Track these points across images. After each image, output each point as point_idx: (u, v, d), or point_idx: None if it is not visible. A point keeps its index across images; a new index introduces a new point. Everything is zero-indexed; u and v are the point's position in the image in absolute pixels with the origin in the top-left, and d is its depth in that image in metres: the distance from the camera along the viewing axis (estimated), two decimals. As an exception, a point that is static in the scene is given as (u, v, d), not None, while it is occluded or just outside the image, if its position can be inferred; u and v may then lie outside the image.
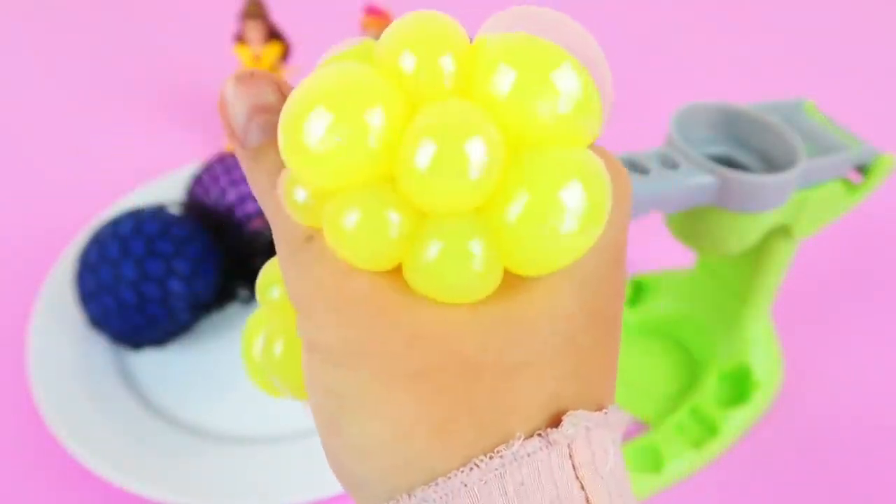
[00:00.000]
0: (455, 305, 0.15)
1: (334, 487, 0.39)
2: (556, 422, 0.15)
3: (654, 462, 0.41)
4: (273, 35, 0.59)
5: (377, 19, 0.58)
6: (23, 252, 0.54)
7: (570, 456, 0.15)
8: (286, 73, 0.60)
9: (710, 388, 0.43)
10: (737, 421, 0.42)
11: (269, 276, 0.20)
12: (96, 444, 0.41)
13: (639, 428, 0.44)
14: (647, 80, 0.71)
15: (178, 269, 0.43)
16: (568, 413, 0.15)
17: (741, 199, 0.33)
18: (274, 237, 0.17)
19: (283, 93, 0.18)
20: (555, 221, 0.14)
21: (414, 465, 0.15)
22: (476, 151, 0.13)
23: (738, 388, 0.43)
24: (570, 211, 0.14)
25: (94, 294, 0.43)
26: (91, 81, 0.72)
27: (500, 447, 0.15)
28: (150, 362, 0.47)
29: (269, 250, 0.48)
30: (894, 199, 0.49)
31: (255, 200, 0.48)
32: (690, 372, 0.46)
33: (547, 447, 0.15)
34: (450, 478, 0.15)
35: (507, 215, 0.14)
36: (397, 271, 0.15)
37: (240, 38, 0.59)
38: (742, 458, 0.42)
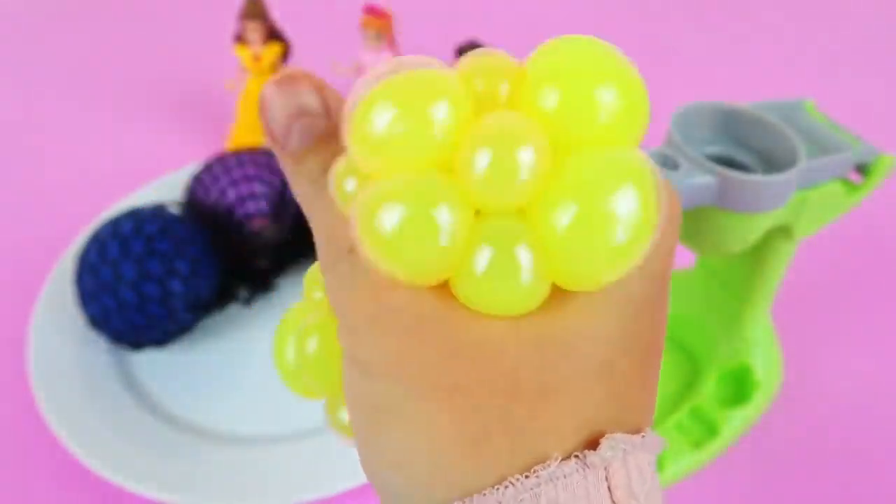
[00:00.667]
0: (495, 322, 0.15)
1: (334, 487, 0.39)
2: (592, 443, 0.15)
3: (654, 462, 0.41)
4: (273, 35, 0.59)
5: (377, 19, 0.58)
6: (23, 252, 0.54)
7: (607, 478, 0.15)
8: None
9: (710, 388, 0.43)
10: (737, 421, 0.42)
11: (316, 274, 0.20)
12: (96, 444, 0.41)
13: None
14: (647, 80, 0.71)
15: (178, 269, 0.43)
16: (606, 436, 0.15)
17: (741, 199, 0.33)
18: (316, 243, 0.17)
19: (323, 96, 0.17)
20: (604, 231, 0.14)
21: (448, 479, 0.15)
22: (525, 156, 0.14)
23: (738, 388, 0.43)
24: (621, 220, 0.14)
25: (94, 294, 0.43)
26: (91, 81, 0.72)
27: (537, 467, 0.15)
28: (150, 362, 0.47)
29: (269, 250, 0.48)
30: (894, 199, 0.49)
31: (254, 200, 0.48)
32: (690, 372, 0.45)
33: (584, 469, 0.15)
34: (485, 495, 0.14)
35: (555, 224, 0.14)
36: (437, 285, 0.15)
37: (240, 38, 0.59)
38: (742, 458, 0.42)
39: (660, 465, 0.40)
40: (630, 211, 0.14)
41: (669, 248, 0.17)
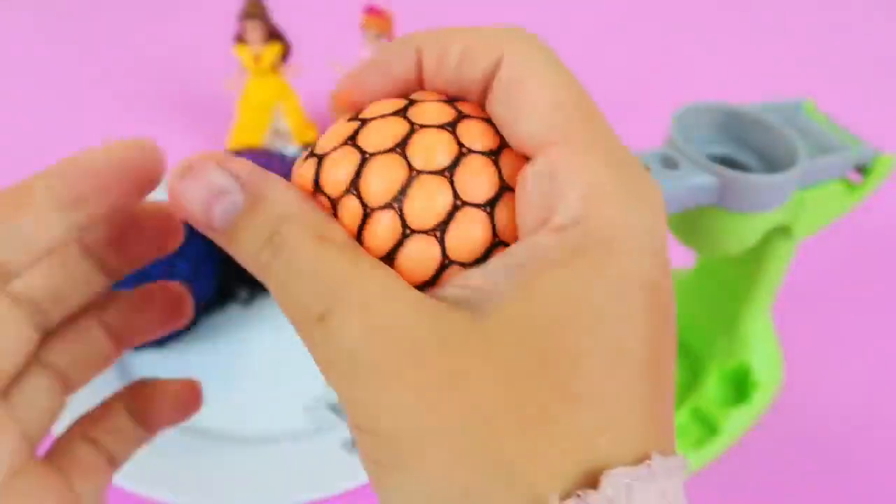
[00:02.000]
0: (466, 354, 0.15)
1: (334, 487, 0.39)
2: (591, 479, 0.14)
3: (654, 462, 0.41)
4: (273, 35, 0.59)
5: (377, 19, 0.58)
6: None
7: None
8: (286, 73, 0.60)
9: (710, 388, 0.43)
10: (737, 421, 0.42)
11: None
12: (96, 444, 0.41)
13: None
14: (647, 80, 0.71)
15: (178, 269, 0.43)
16: (605, 473, 0.14)
17: (741, 199, 0.33)
18: (284, 312, 0.17)
19: (228, 169, 0.17)
20: None
21: None
22: None
23: (738, 388, 0.43)
24: None
25: (94, 294, 0.43)
26: (91, 81, 0.72)
27: None
28: (150, 362, 0.47)
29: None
30: (894, 199, 0.49)
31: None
32: (690, 372, 0.46)
33: None
34: None
35: None
36: (399, 323, 0.15)
37: (240, 38, 0.59)
38: (742, 458, 0.42)
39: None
40: None
41: (655, 259, 0.16)
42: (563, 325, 0.15)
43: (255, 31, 0.57)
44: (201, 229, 0.17)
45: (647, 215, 0.16)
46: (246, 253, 0.17)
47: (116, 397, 0.23)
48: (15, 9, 0.81)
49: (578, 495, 0.14)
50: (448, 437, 0.14)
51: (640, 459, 0.15)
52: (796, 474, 0.42)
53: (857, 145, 0.36)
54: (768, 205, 0.33)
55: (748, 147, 0.36)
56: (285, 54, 0.59)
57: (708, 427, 0.42)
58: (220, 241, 0.17)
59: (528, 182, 0.16)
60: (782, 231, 0.37)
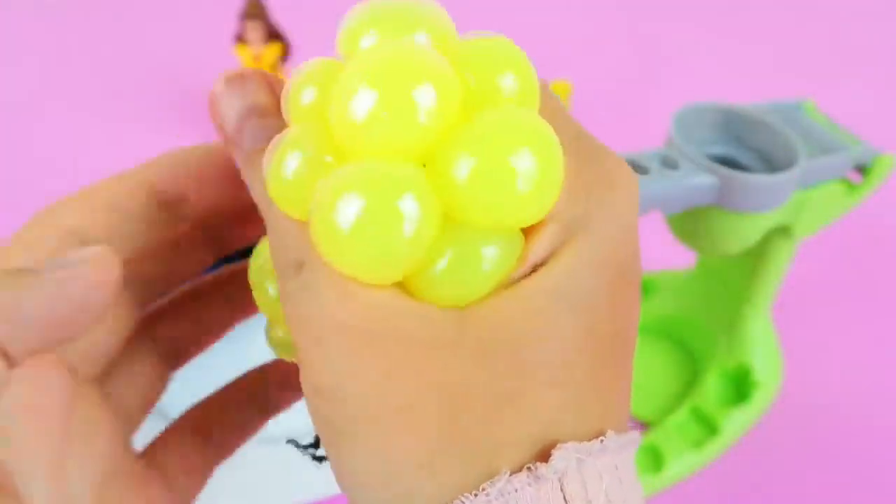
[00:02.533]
0: (441, 331, 0.15)
1: (334, 488, 0.39)
2: (546, 454, 0.15)
3: (654, 462, 0.41)
4: (273, 35, 0.59)
5: (377, 19, 0.58)
6: (23, 252, 0.54)
7: (562, 490, 0.14)
8: (286, 74, 0.60)
9: (710, 388, 0.43)
10: (737, 421, 0.42)
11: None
12: (96, 444, 0.41)
13: (639, 428, 0.44)
14: (647, 80, 0.71)
15: (178, 269, 0.43)
16: (558, 446, 0.14)
17: (741, 199, 0.33)
18: (272, 256, 0.16)
19: (276, 93, 0.17)
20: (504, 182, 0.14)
21: (407, 499, 0.15)
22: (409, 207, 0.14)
23: (739, 387, 0.43)
24: (520, 172, 0.14)
25: (94, 294, 0.43)
26: (91, 81, 0.72)
27: (485, 483, 0.14)
28: (150, 362, 0.47)
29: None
30: (894, 199, 0.49)
31: (255, 200, 0.48)
32: (690, 372, 0.45)
33: (535, 482, 0.14)
34: None
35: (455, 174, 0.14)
36: (378, 301, 0.15)
37: (240, 38, 0.59)
38: (742, 458, 0.42)
39: (659, 464, 0.40)
40: (528, 165, 0.14)
41: (622, 236, 0.16)
42: (537, 313, 0.15)
43: (255, 31, 0.57)
44: (226, 143, 0.17)
45: (618, 201, 0.16)
46: (259, 178, 0.16)
47: (235, 387, 0.22)
48: (14, 8, 0.81)
49: (530, 468, 0.14)
50: (413, 410, 0.14)
51: (597, 436, 0.15)
52: (796, 474, 0.42)
53: (857, 145, 0.36)
54: (768, 205, 0.33)
55: (748, 147, 0.36)
56: (285, 54, 0.59)
57: (708, 427, 0.42)
58: (239, 158, 0.17)
59: None
60: (782, 231, 0.37)
